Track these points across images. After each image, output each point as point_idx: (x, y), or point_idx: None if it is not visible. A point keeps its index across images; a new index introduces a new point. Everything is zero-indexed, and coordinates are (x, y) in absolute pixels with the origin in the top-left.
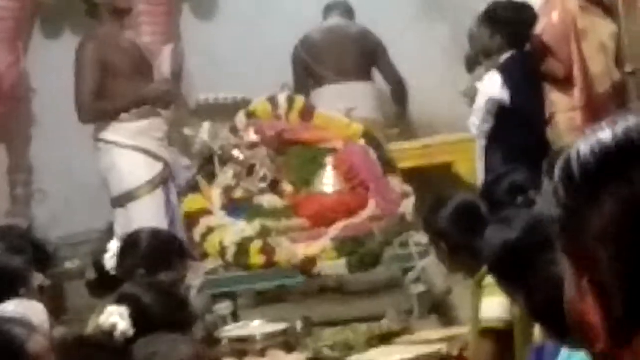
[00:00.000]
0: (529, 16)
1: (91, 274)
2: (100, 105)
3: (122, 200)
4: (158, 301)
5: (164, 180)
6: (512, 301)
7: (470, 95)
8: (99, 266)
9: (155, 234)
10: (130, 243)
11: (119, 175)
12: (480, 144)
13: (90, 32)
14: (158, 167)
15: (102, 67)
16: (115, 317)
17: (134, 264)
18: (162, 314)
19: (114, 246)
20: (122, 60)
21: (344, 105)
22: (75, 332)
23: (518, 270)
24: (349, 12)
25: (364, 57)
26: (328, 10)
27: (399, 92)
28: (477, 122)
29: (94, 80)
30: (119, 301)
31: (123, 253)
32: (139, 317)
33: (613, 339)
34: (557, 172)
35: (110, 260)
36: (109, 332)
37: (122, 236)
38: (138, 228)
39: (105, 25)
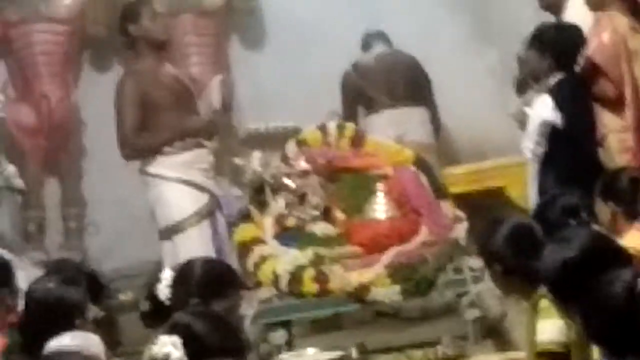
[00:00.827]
0: (577, 37)
1: (145, 305)
2: (142, 140)
3: (169, 232)
4: (210, 329)
5: (210, 211)
6: (569, 323)
7: (519, 119)
8: (152, 297)
9: (208, 262)
10: (184, 272)
11: (165, 208)
12: (534, 167)
13: (129, 68)
14: (204, 198)
15: (142, 102)
16: (169, 347)
17: (187, 293)
18: (215, 341)
19: (167, 275)
20: (163, 94)
21: (397, 131)
22: None
23: (577, 289)
24: (389, 41)
25: (416, 84)
26: (369, 40)
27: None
28: (531, 146)
29: (135, 117)
30: (172, 330)
31: (177, 282)
32: (192, 345)
33: None
34: None
35: (163, 289)
36: None
37: (175, 265)
38: (191, 257)
39: (144, 58)
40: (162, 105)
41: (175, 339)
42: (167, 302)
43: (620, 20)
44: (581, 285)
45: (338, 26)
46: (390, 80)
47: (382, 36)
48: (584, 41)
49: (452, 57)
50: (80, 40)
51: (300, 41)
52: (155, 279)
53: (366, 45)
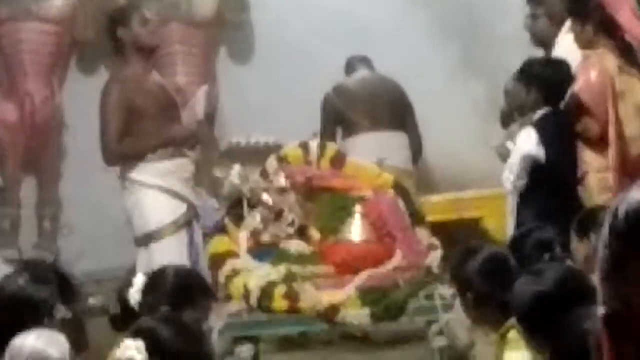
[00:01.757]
0: (565, 73)
1: (114, 309)
2: (125, 147)
3: (145, 240)
4: (175, 334)
5: (188, 221)
6: (536, 356)
7: (501, 152)
8: (122, 301)
9: (181, 271)
10: (156, 279)
11: (142, 215)
12: (513, 200)
13: (116, 73)
14: (182, 208)
15: (127, 109)
16: (132, 351)
17: (158, 300)
18: (179, 347)
19: (139, 281)
20: (148, 102)
21: (376, 155)
22: None
23: (547, 322)
24: (372, 67)
25: (397, 109)
26: (353, 64)
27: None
28: (511, 178)
29: (119, 123)
30: (136, 334)
31: (148, 288)
32: (155, 350)
33: None
34: (607, 220)
35: (134, 294)
36: None
37: (148, 271)
38: (164, 264)
39: (131, 64)
40: (146, 112)
41: (139, 343)
42: (137, 308)
43: (609, 60)
44: (551, 320)
45: (326, 49)
46: (372, 104)
47: (365, 61)
48: (571, 77)
49: (438, 86)
50: (69, 42)
51: (288, 59)
52: (127, 283)
53: (350, 69)
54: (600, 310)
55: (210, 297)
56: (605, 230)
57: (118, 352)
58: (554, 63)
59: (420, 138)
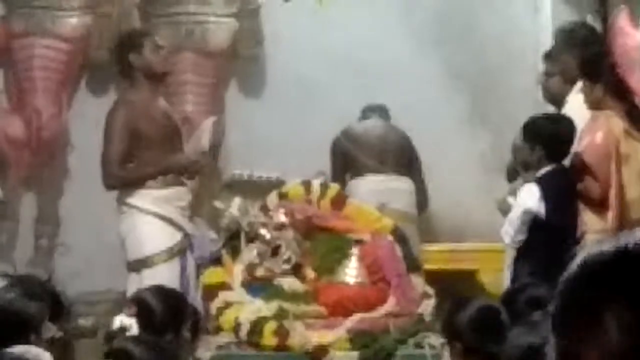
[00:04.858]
0: (568, 130)
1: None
2: (126, 173)
3: (138, 265)
4: (149, 355)
5: (182, 250)
6: None
7: (502, 207)
8: (109, 337)
9: (166, 293)
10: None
11: (137, 240)
12: (511, 254)
13: (122, 97)
14: (177, 236)
15: (130, 134)
16: None
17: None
18: None
19: (118, 322)
20: (152, 128)
21: (381, 198)
22: None
23: None
24: (387, 116)
25: (404, 156)
26: (366, 112)
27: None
28: (510, 232)
29: (122, 147)
30: (109, 357)
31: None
32: None
33: None
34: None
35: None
36: None
37: (129, 313)
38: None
39: (139, 89)
40: (149, 139)
41: None
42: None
43: (616, 122)
44: None
45: (336, 89)
46: (379, 147)
47: (380, 110)
48: (574, 133)
49: (444, 134)
50: (81, 61)
51: (298, 97)
52: (117, 310)
53: (364, 117)
54: None
55: (198, 325)
56: (561, 281)
57: None
58: (558, 120)
59: (426, 191)
